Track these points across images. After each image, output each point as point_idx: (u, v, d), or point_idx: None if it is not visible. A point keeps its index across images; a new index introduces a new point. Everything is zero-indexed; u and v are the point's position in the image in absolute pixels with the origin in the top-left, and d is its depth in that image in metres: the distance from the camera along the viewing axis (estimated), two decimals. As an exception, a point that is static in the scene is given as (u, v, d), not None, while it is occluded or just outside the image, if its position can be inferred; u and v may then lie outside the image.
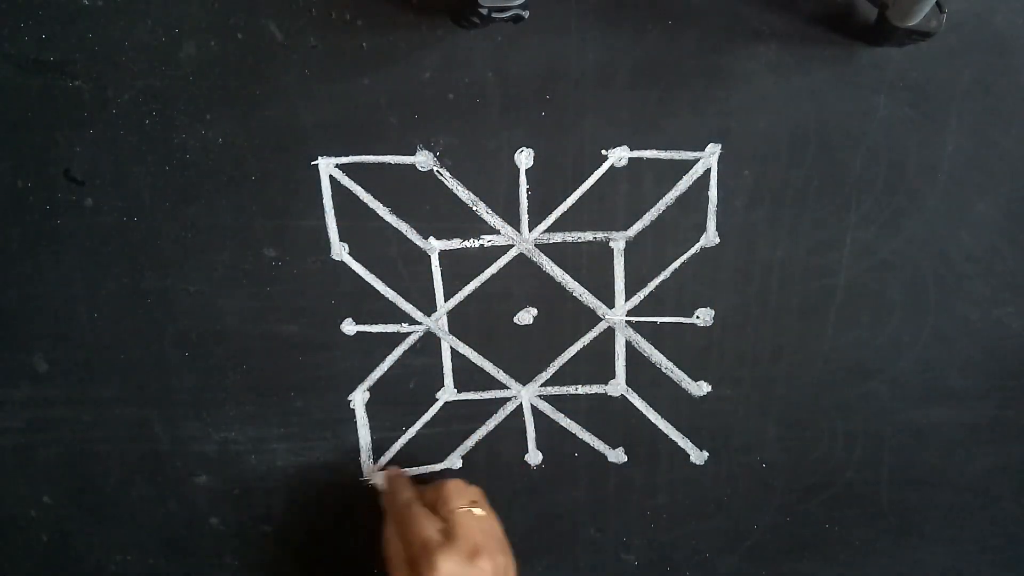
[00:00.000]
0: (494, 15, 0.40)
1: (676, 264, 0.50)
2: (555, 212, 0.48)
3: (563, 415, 0.53)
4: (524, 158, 0.47)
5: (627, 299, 0.50)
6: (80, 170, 0.45)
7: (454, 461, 0.53)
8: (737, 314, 0.51)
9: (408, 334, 0.50)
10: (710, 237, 0.49)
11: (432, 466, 0.53)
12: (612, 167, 0.47)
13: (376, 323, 0.50)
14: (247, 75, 0.44)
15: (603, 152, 0.47)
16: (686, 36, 0.45)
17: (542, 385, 0.52)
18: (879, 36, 0.44)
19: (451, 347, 0.51)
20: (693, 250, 0.49)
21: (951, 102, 0.47)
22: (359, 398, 0.51)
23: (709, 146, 0.47)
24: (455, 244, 0.48)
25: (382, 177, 0.47)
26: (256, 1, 0.43)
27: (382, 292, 0.49)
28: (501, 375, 0.51)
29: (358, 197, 0.47)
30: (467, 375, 0.51)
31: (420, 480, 0.52)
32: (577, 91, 0.46)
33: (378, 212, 0.47)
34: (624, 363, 0.51)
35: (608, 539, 0.55)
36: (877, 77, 0.46)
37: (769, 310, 0.51)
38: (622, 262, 0.49)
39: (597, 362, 0.51)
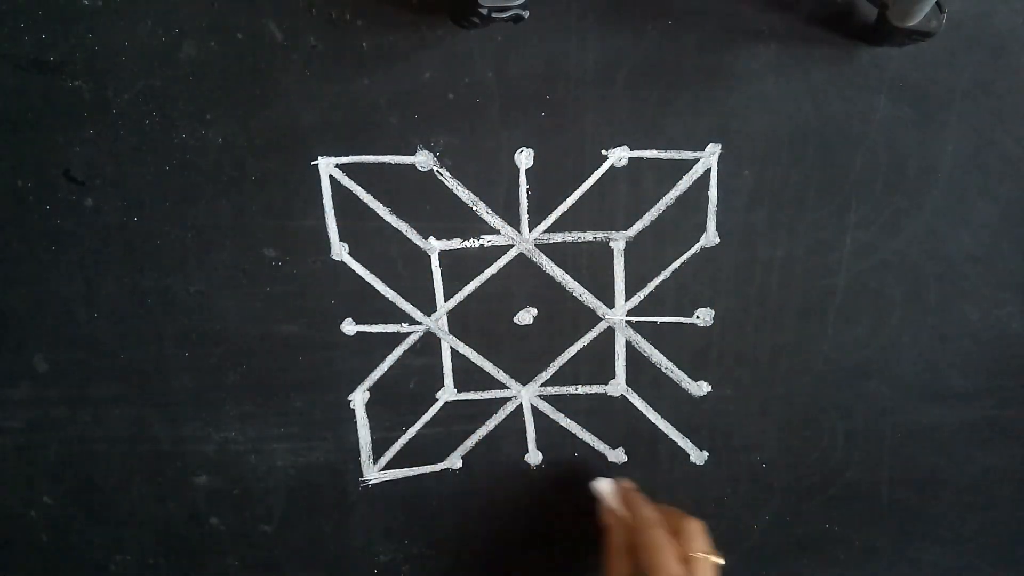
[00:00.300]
0: (494, 15, 0.40)
1: (676, 264, 0.50)
2: (555, 212, 0.48)
3: (563, 415, 0.53)
4: (524, 158, 0.47)
5: (627, 299, 0.50)
6: (80, 170, 0.45)
7: (454, 461, 0.53)
8: (737, 314, 0.51)
9: (408, 334, 0.50)
10: (710, 237, 0.49)
11: (432, 466, 0.53)
12: (612, 167, 0.47)
13: (376, 323, 0.50)
14: (247, 75, 0.44)
15: (603, 152, 0.47)
16: (686, 36, 0.45)
17: (542, 385, 0.52)
18: (879, 36, 0.44)
19: (451, 347, 0.51)
20: (693, 250, 0.49)
21: (951, 102, 0.47)
22: (359, 398, 0.51)
23: (709, 146, 0.47)
24: (455, 244, 0.48)
25: (382, 177, 0.47)
26: (256, 1, 0.43)
27: (382, 292, 0.49)
28: (501, 375, 0.51)
29: (358, 197, 0.47)
30: (467, 375, 0.51)
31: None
32: (577, 91, 0.46)
33: (378, 212, 0.47)
34: (624, 363, 0.51)
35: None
36: (877, 77, 0.46)
37: (769, 310, 0.51)
38: (622, 262, 0.49)
39: (597, 362, 0.51)
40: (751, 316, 0.51)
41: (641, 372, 0.52)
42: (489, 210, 0.48)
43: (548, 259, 0.49)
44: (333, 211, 0.47)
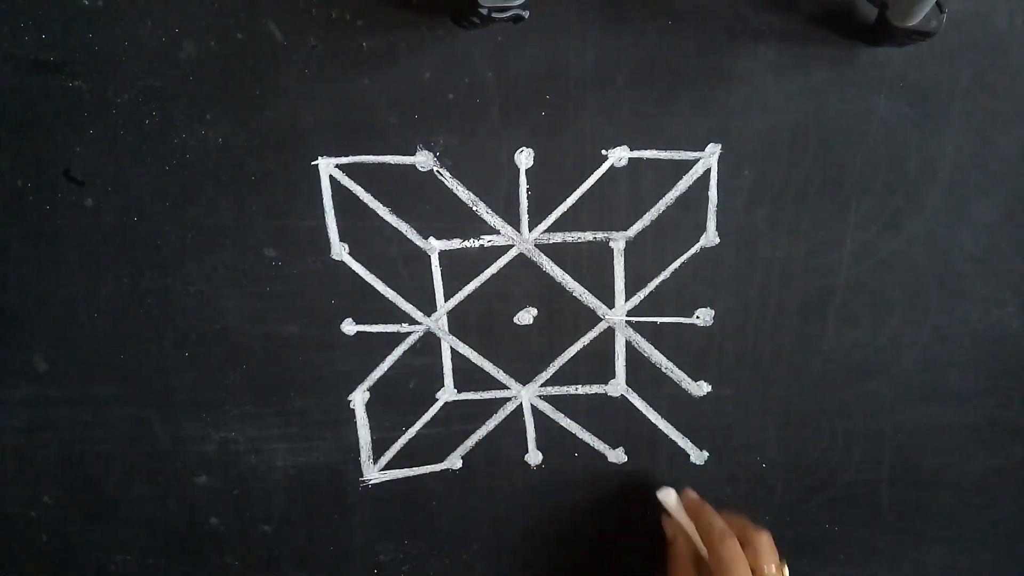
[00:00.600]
0: (494, 15, 0.40)
1: (676, 264, 0.50)
2: (555, 212, 0.48)
3: (563, 415, 0.53)
4: (524, 158, 0.47)
5: (627, 299, 0.50)
6: (80, 170, 0.45)
7: (454, 461, 0.53)
8: (737, 314, 0.51)
9: (408, 334, 0.50)
10: (710, 237, 0.49)
11: (432, 466, 0.53)
12: (612, 167, 0.47)
13: (376, 323, 0.50)
14: (247, 75, 0.44)
15: (603, 152, 0.47)
16: (686, 36, 0.45)
17: (542, 385, 0.52)
18: (879, 36, 0.44)
19: (451, 347, 0.51)
20: (693, 250, 0.49)
21: (951, 102, 0.47)
22: (359, 398, 0.51)
23: (709, 146, 0.47)
24: (455, 244, 0.48)
25: (382, 177, 0.47)
26: (256, 1, 0.43)
27: (382, 292, 0.49)
28: (501, 375, 0.51)
29: (358, 197, 0.47)
30: (467, 375, 0.51)
31: (417, 481, 0.52)
32: (577, 91, 0.46)
33: (378, 212, 0.47)
34: (624, 363, 0.51)
35: (608, 539, 0.55)
36: (877, 77, 0.46)
37: (769, 310, 0.51)
38: (622, 262, 0.49)
39: (597, 362, 0.51)
40: (751, 316, 0.51)
41: (641, 372, 0.52)
42: (489, 210, 0.48)
43: (548, 259, 0.49)
44: (333, 211, 0.47)
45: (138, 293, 0.48)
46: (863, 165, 0.48)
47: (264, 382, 0.50)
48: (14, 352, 0.48)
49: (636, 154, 0.47)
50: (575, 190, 0.48)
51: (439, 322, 0.50)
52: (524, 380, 0.52)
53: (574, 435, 0.53)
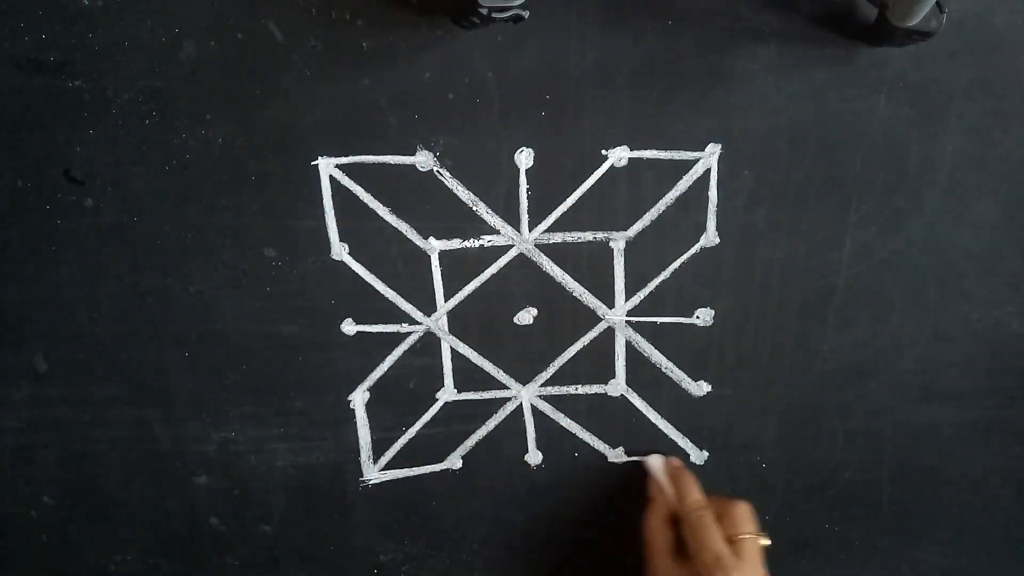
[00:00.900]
0: (494, 15, 0.40)
1: (676, 264, 0.50)
2: (555, 212, 0.48)
3: (563, 415, 0.53)
4: (524, 158, 0.47)
5: (627, 299, 0.50)
6: (80, 170, 0.45)
7: (454, 461, 0.53)
8: (737, 314, 0.51)
9: (408, 334, 0.50)
10: (710, 237, 0.49)
11: (432, 466, 0.53)
12: (612, 167, 0.47)
13: (376, 323, 0.50)
14: (247, 75, 0.44)
15: (603, 152, 0.47)
16: (686, 36, 0.45)
17: (542, 385, 0.52)
18: (879, 36, 0.44)
19: (451, 347, 0.51)
20: (693, 250, 0.49)
21: (951, 102, 0.47)
22: (359, 398, 0.51)
23: (709, 146, 0.47)
24: (455, 244, 0.48)
25: (382, 177, 0.47)
26: (256, 1, 0.43)
27: (382, 292, 0.49)
28: (501, 375, 0.51)
29: (358, 197, 0.47)
30: (467, 375, 0.51)
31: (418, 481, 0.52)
32: (577, 91, 0.46)
33: (378, 212, 0.47)
34: (624, 363, 0.51)
35: (608, 539, 0.55)
36: (877, 77, 0.46)
37: (769, 310, 0.51)
38: (622, 262, 0.49)
39: (597, 362, 0.51)
40: (751, 316, 0.51)
41: (641, 372, 0.52)
42: (489, 210, 0.48)
43: (548, 259, 0.49)
44: (333, 211, 0.47)
45: (138, 293, 0.48)
46: (863, 165, 0.48)
47: (264, 382, 0.50)
48: (14, 352, 0.48)
49: (636, 154, 0.47)
50: (575, 190, 0.48)
51: (439, 322, 0.50)
52: (524, 380, 0.52)
53: (574, 435, 0.53)
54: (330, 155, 0.46)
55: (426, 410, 0.52)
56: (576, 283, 0.50)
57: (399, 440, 0.52)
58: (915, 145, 0.48)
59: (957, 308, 0.51)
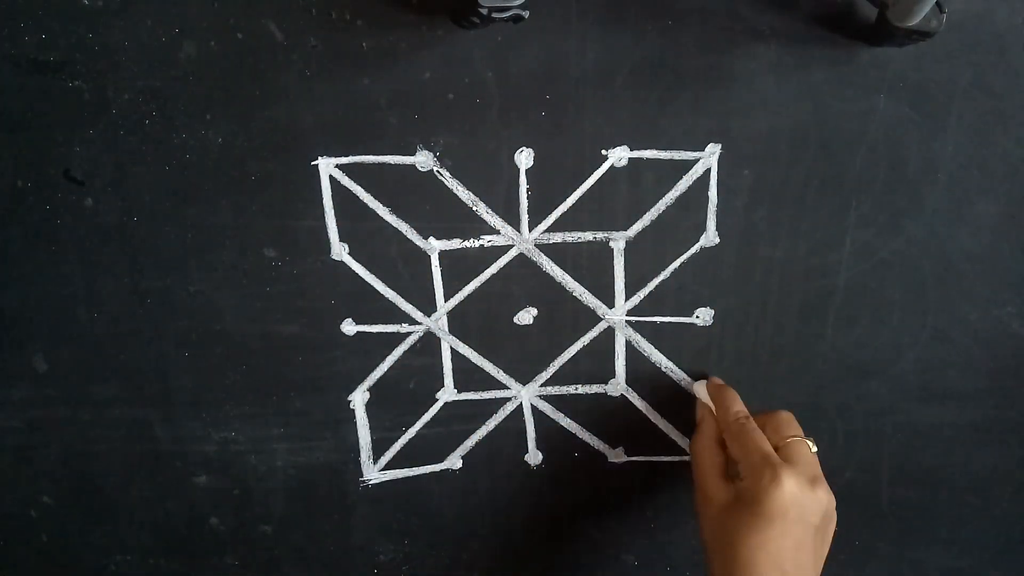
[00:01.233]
0: (494, 15, 0.40)
1: (676, 264, 0.50)
2: (555, 212, 0.48)
3: (563, 415, 0.53)
4: (524, 158, 0.47)
5: (627, 299, 0.50)
6: (80, 170, 0.45)
7: (454, 461, 0.53)
8: (737, 314, 0.51)
9: (408, 334, 0.50)
10: (710, 237, 0.49)
11: (432, 466, 0.53)
12: (612, 167, 0.47)
13: (376, 323, 0.50)
14: (247, 75, 0.44)
15: (603, 152, 0.47)
16: (686, 36, 0.45)
17: (542, 385, 0.52)
18: (879, 36, 0.44)
19: (451, 347, 0.51)
20: (693, 250, 0.49)
21: (951, 102, 0.47)
22: (359, 398, 0.51)
23: (709, 146, 0.47)
24: (455, 244, 0.48)
25: (382, 177, 0.47)
26: (256, 1, 0.43)
27: (382, 292, 0.49)
28: (501, 375, 0.51)
29: (358, 197, 0.47)
30: (467, 375, 0.51)
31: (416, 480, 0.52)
32: (577, 91, 0.46)
33: (378, 212, 0.47)
34: (624, 363, 0.51)
35: (608, 539, 0.55)
36: (877, 77, 0.46)
37: (769, 310, 0.51)
38: (622, 262, 0.49)
39: (597, 362, 0.51)
40: (751, 316, 0.51)
41: (641, 372, 0.52)
42: (489, 210, 0.48)
43: (548, 259, 0.49)
44: (333, 211, 0.47)
45: (138, 293, 0.48)
46: (863, 165, 0.48)
47: (264, 382, 0.50)
48: (14, 352, 0.48)
49: (636, 154, 0.47)
50: (575, 190, 0.48)
51: (439, 322, 0.50)
52: (524, 380, 0.52)
53: (574, 435, 0.53)
54: (330, 155, 0.46)
55: (426, 410, 0.52)
56: (576, 283, 0.50)
57: (399, 440, 0.52)
58: (915, 145, 0.48)
59: (957, 308, 0.51)
